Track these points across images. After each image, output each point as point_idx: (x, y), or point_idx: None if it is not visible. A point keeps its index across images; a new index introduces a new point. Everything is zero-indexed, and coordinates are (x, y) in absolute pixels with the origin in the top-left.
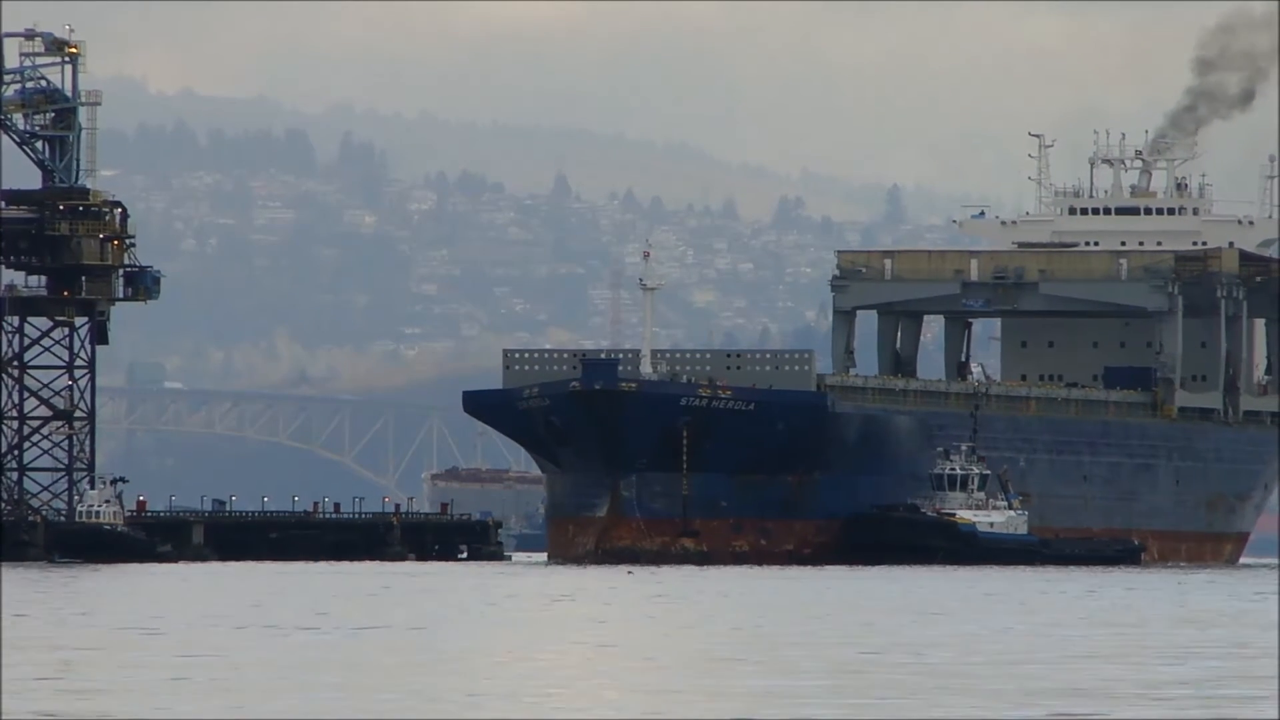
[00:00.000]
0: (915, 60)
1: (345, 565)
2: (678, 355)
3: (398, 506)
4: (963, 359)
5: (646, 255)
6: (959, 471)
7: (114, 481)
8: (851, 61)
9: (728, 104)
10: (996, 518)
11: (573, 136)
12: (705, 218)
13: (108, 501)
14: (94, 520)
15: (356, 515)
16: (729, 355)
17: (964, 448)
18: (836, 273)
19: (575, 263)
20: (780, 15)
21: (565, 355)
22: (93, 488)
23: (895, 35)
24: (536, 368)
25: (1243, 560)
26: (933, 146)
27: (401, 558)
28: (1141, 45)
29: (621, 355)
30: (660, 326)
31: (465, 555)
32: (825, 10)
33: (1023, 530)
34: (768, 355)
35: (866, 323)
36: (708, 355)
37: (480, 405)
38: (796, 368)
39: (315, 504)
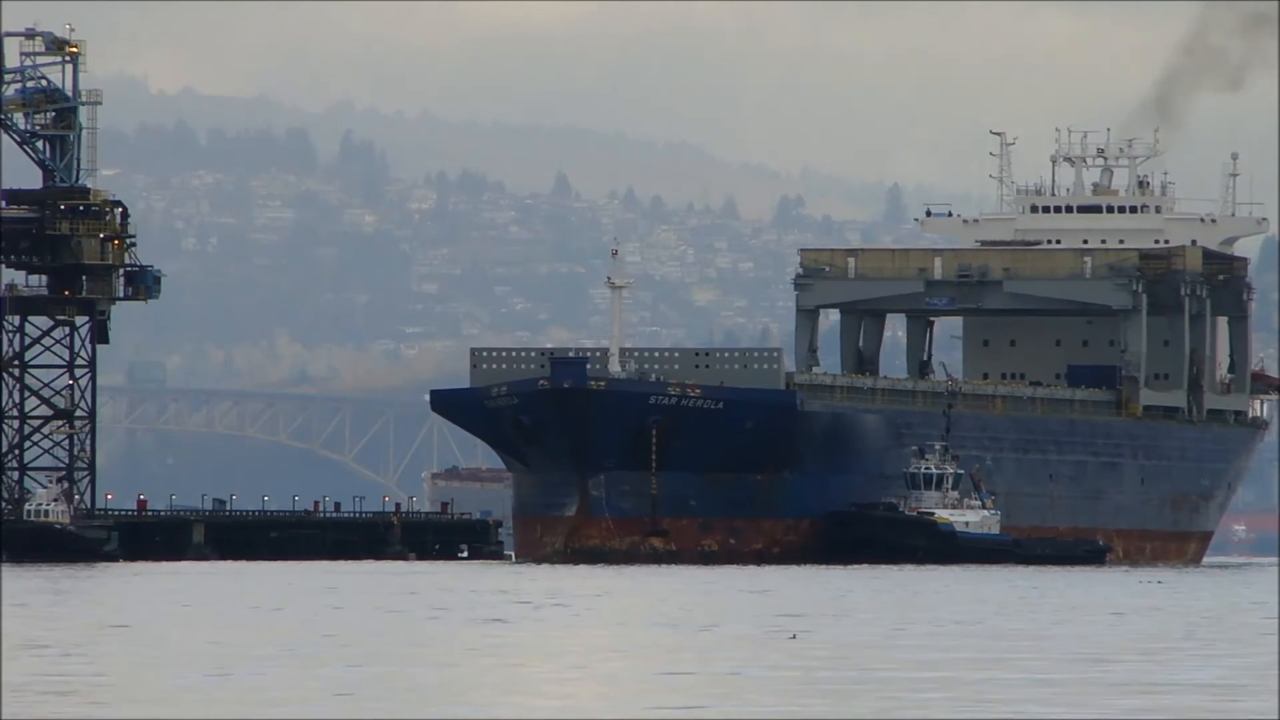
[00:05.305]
0: (916, 59)
1: (347, 564)
2: (646, 354)
3: (398, 506)
4: (925, 358)
5: (614, 253)
6: (934, 471)
7: (61, 479)
8: (852, 61)
9: (728, 104)
10: (971, 517)
11: (573, 136)
12: (705, 217)
13: (56, 500)
14: (42, 519)
15: (357, 514)
16: (697, 354)
17: (938, 447)
18: (800, 271)
19: (576, 262)
20: (781, 15)
21: (533, 354)
22: (93, 489)
23: (896, 34)
24: (504, 366)
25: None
26: (933, 146)
27: (402, 557)
28: (1148, 43)
29: (590, 354)
30: (661, 326)
31: (465, 554)
32: (826, 10)
33: (996, 530)
34: (736, 354)
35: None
36: (676, 354)
37: (448, 404)
38: (765, 366)
39: (316, 503)
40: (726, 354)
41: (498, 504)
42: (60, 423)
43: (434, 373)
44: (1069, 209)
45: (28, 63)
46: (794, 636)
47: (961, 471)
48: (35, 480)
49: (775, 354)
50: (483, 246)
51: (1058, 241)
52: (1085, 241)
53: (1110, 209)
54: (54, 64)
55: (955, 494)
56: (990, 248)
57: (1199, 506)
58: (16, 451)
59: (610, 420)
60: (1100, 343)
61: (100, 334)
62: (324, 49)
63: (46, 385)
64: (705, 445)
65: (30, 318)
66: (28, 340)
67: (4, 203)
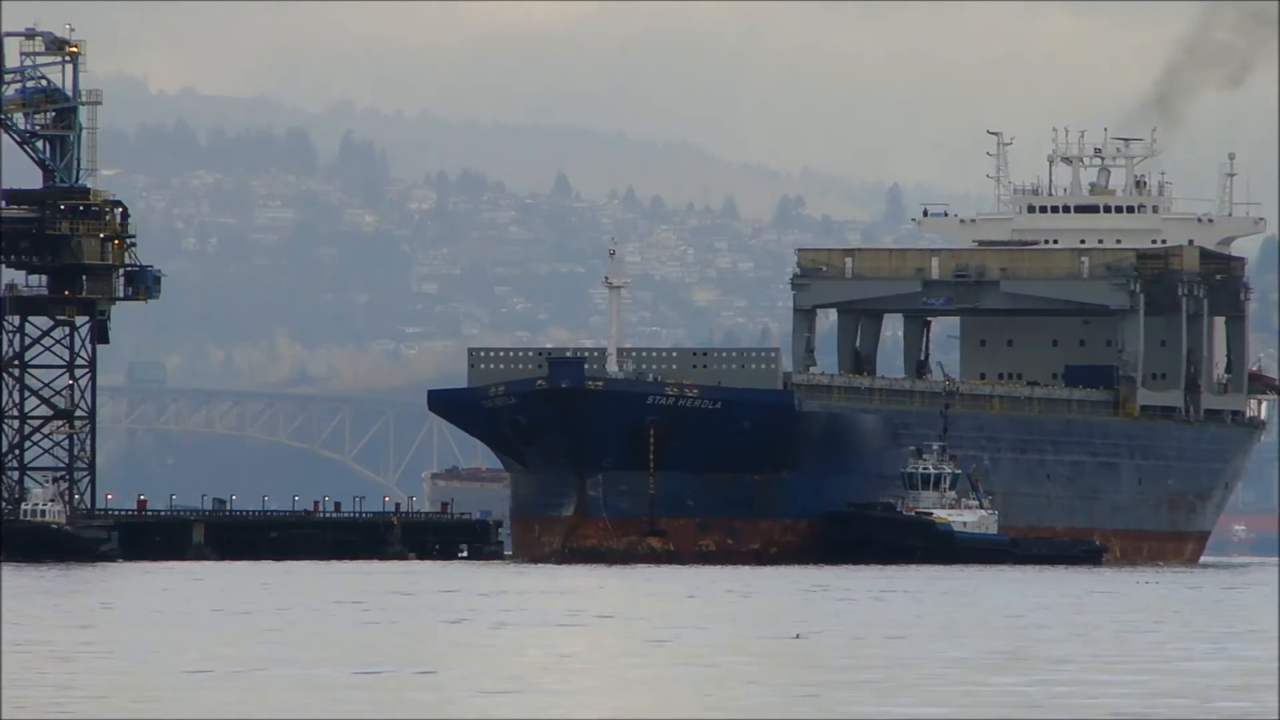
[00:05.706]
0: (916, 59)
1: (348, 565)
2: (644, 354)
3: (398, 506)
4: (922, 358)
5: (612, 254)
6: (931, 471)
7: (58, 479)
8: (852, 61)
9: (728, 104)
10: (969, 517)
11: (573, 136)
12: (705, 217)
13: (53, 500)
14: (39, 519)
15: (357, 514)
16: (695, 354)
17: (935, 447)
18: (797, 271)
19: (576, 262)
20: (781, 15)
21: (531, 354)
22: (93, 489)
23: (896, 34)
24: (502, 366)
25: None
26: (933, 146)
27: (402, 557)
28: (1148, 43)
29: (587, 354)
30: (661, 326)
31: (465, 554)
32: (826, 10)
33: (993, 530)
34: (734, 354)
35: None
36: (674, 354)
37: (445, 404)
38: (763, 366)
39: (316, 503)
40: (724, 354)
41: (498, 504)
42: (60, 423)
43: (434, 373)
44: (1066, 209)
45: (28, 63)
46: (798, 636)
47: (959, 471)
48: (35, 480)
49: (773, 354)
50: (483, 246)
51: (1055, 241)
52: (1082, 241)
53: (1107, 209)
54: (54, 64)
55: (953, 494)
56: (987, 248)
57: (1196, 506)
58: (16, 451)
59: (608, 420)
60: (1097, 343)
61: (100, 334)
62: (324, 49)
63: (46, 385)
64: (703, 445)
65: (30, 318)
66: (28, 340)
67: (4, 203)
